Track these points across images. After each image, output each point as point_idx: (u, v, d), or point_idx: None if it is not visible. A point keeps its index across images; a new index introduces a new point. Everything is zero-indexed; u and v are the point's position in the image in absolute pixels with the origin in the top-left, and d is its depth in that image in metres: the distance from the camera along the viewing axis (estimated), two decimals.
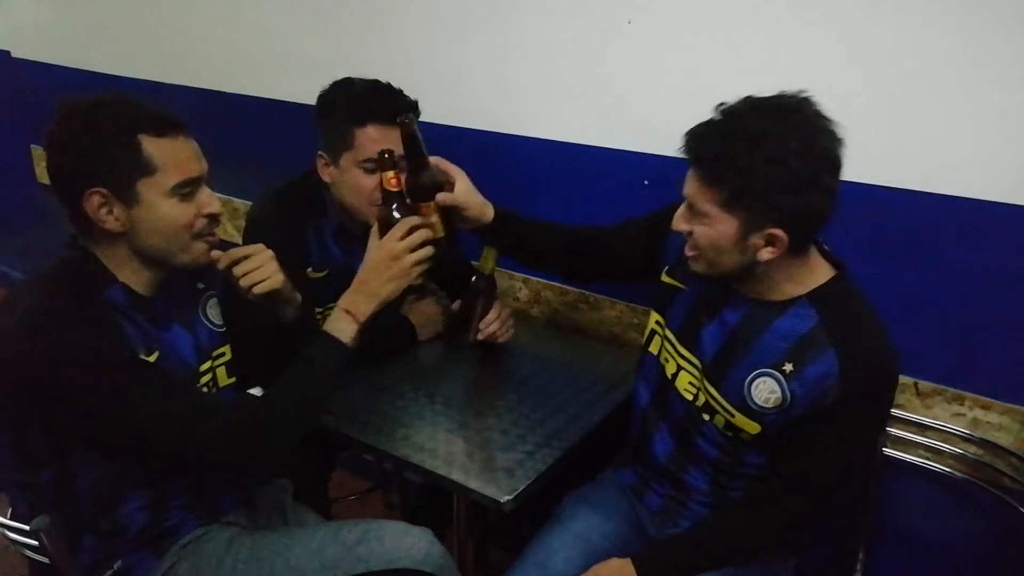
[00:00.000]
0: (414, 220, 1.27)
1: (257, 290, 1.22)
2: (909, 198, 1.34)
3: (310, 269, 1.58)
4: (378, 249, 1.25)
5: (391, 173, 1.27)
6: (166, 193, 1.12)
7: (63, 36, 2.83)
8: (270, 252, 1.25)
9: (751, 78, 1.42)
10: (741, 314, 1.20)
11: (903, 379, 1.42)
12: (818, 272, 1.17)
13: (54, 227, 3.42)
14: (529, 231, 1.50)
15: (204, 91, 2.37)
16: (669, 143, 1.54)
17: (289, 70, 2.16)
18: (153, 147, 1.11)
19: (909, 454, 1.45)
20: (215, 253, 1.21)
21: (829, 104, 1.36)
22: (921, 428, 1.43)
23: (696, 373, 1.27)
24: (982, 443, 1.38)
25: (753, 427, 1.20)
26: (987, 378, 1.37)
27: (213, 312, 1.32)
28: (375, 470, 2.17)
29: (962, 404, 1.39)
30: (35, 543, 1.07)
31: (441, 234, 1.32)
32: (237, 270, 1.22)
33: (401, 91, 1.53)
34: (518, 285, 1.89)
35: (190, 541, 1.24)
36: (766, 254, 1.11)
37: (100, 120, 1.09)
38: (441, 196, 1.34)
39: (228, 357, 1.32)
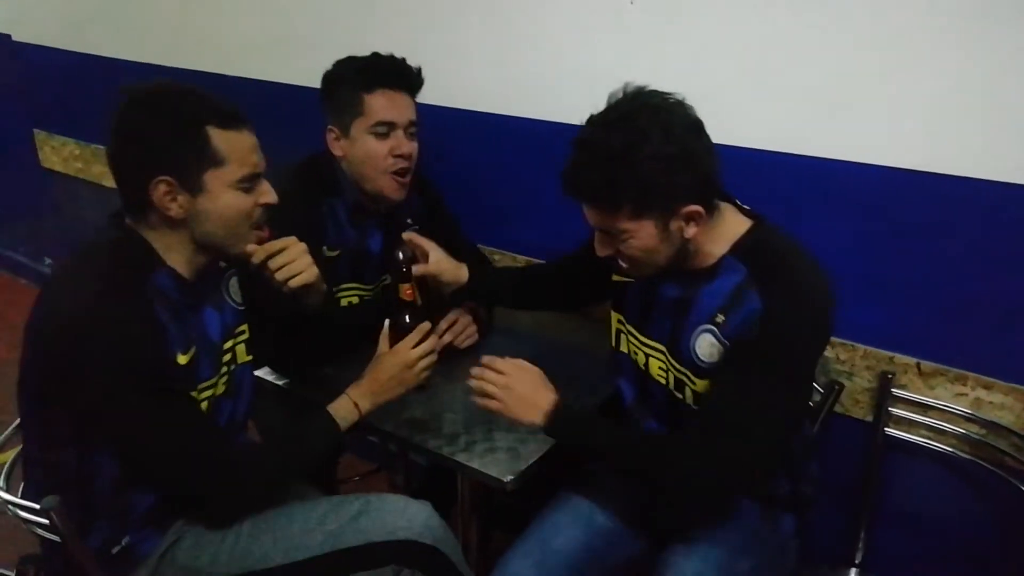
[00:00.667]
0: (426, 327, 1.34)
1: (293, 283, 1.26)
2: (911, 178, 1.34)
3: (325, 248, 1.59)
4: (393, 354, 1.32)
5: (407, 285, 1.35)
6: (231, 184, 1.15)
7: (65, 19, 2.82)
8: (303, 245, 1.28)
9: (752, 58, 1.43)
10: (682, 288, 1.24)
11: (905, 359, 1.43)
12: (736, 227, 1.22)
13: (57, 211, 3.45)
14: (504, 282, 1.61)
15: (207, 74, 2.36)
16: None
17: (292, 53, 2.15)
18: (220, 139, 1.13)
19: (911, 434, 1.46)
20: (250, 247, 1.24)
21: (835, 84, 1.37)
22: (923, 408, 1.44)
23: (662, 356, 1.29)
24: (984, 423, 1.38)
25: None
26: (989, 358, 1.37)
27: (234, 291, 1.35)
28: (380, 451, 2.18)
29: (964, 384, 1.39)
30: (45, 522, 1.08)
31: (419, 302, 1.39)
32: (272, 263, 1.25)
33: (404, 59, 1.57)
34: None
35: (193, 516, 1.25)
36: (692, 230, 1.16)
37: (167, 109, 1.12)
38: (420, 268, 1.45)
39: (247, 335, 1.35)
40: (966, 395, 1.40)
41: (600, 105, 1.33)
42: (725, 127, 1.48)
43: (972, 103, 1.26)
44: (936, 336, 1.40)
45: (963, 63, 1.25)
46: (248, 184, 1.17)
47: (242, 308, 1.35)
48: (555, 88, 1.69)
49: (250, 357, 1.35)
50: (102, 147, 2.54)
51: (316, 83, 1.59)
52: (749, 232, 1.21)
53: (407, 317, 1.35)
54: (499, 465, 1.28)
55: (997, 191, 1.27)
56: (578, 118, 1.65)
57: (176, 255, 1.18)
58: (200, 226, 1.16)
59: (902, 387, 1.44)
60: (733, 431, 1.15)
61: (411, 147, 1.58)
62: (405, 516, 1.26)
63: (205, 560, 1.22)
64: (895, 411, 1.46)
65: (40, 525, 1.12)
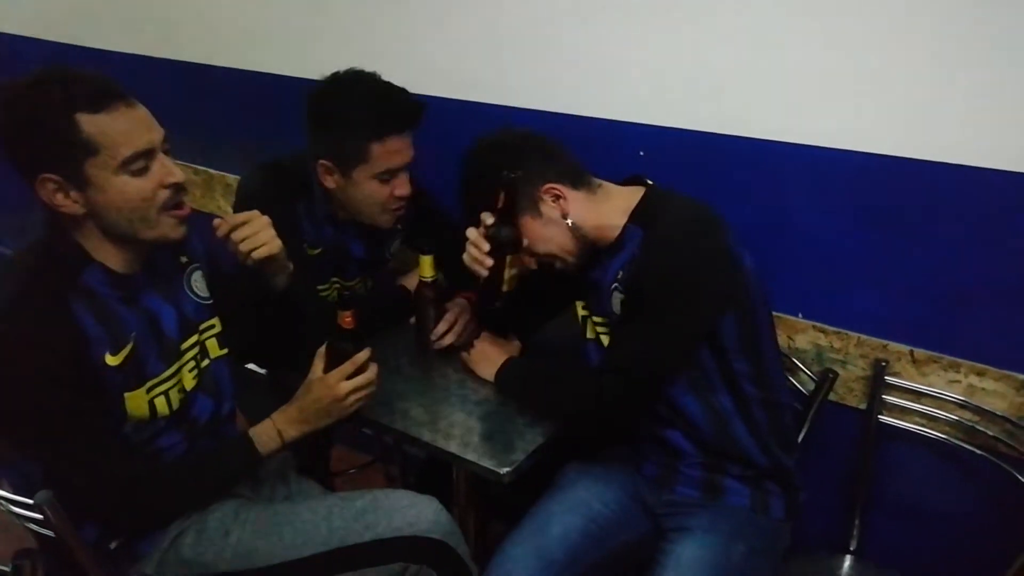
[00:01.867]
0: (362, 358, 1.27)
1: (256, 255, 1.21)
2: (903, 165, 1.34)
3: (306, 245, 1.57)
4: (323, 384, 1.25)
5: (347, 312, 1.26)
6: (115, 170, 1.07)
7: (49, 10, 2.78)
8: (267, 219, 1.23)
9: (749, 44, 1.42)
10: (605, 267, 1.33)
11: (899, 347, 1.43)
12: (628, 197, 1.32)
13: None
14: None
15: (195, 65, 2.34)
16: (665, 114, 1.55)
17: (280, 42, 2.13)
18: (92, 124, 1.05)
19: (905, 421, 1.46)
20: (216, 221, 1.20)
21: (830, 72, 1.36)
22: (917, 395, 1.44)
23: (608, 329, 1.36)
24: (977, 410, 1.39)
25: None
26: (982, 345, 1.37)
27: (199, 285, 1.31)
28: (374, 443, 2.18)
29: (957, 371, 1.40)
30: (39, 517, 1.08)
31: (509, 287, 1.40)
32: (236, 235, 1.20)
33: (405, 91, 1.50)
34: None
35: (195, 512, 1.25)
36: (564, 206, 1.30)
37: (34, 103, 1.05)
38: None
39: (218, 329, 1.32)
40: (959, 382, 1.40)
41: (607, 95, 1.36)
42: (721, 116, 1.49)
43: (967, 90, 1.26)
44: (929, 324, 1.40)
45: (962, 51, 1.25)
46: (137, 164, 1.08)
47: (208, 302, 1.31)
48: (558, 79, 1.68)
49: (224, 351, 1.32)
50: None
51: (309, 74, 1.55)
52: (642, 199, 1.31)
53: (345, 345, 1.27)
54: (495, 457, 1.28)
55: (990, 178, 1.27)
56: (583, 109, 1.66)
57: (103, 251, 1.13)
58: (102, 219, 1.10)
59: (896, 375, 1.45)
60: (619, 372, 1.26)
61: (410, 184, 1.54)
62: (412, 512, 1.25)
63: (210, 556, 1.22)
64: (889, 399, 1.46)
65: (34, 520, 1.11)
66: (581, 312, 1.44)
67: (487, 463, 1.27)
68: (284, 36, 2.11)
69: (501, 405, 1.41)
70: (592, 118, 1.64)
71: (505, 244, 1.34)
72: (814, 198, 1.44)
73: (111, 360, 1.11)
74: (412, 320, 1.61)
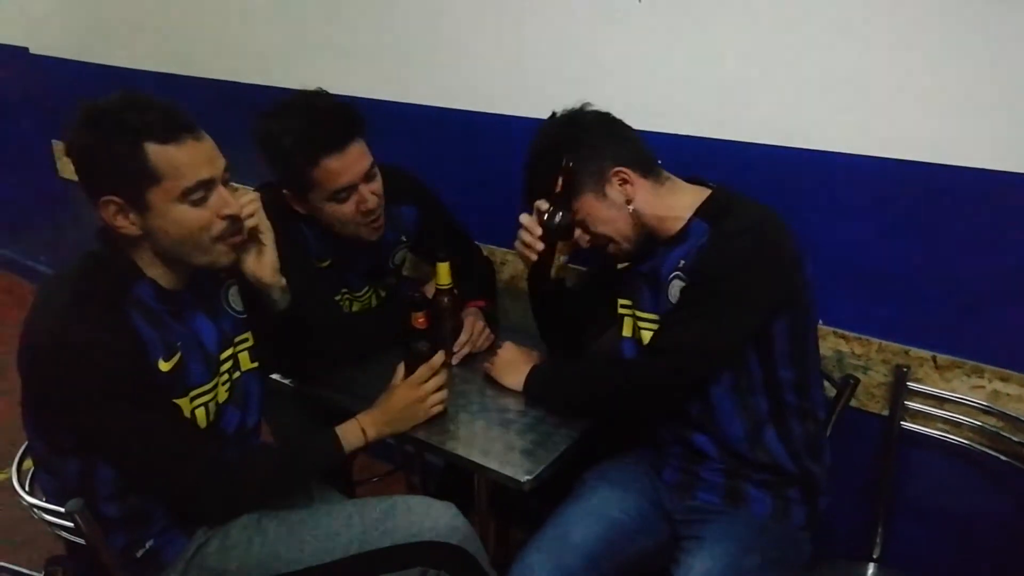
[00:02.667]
0: (439, 361, 1.36)
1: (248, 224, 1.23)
2: (923, 170, 1.33)
3: (314, 260, 1.58)
4: (407, 387, 1.35)
5: (420, 313, 1.34)
6: (176, 199, 1.11)
7: (80, 31, 2.86)
8: (255, 194, 1.27)
9: (757, 48, 1.43)
10: (663, 258, 1.33)
11: (921, 352, 1.42)
12: (693, 195, 1.33)
13: (77, 221, 3.49)
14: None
15: (222, 82, 2.39)
16: (682, 122, 1.56)
17: (304, 58, 2.17)
18: (158, 155, 1.09)
19: (928, 427, 1.45)
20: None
21: (845, 78, 1.36)
22: (939, 401, 1.43)
23: (654, 325, 1.35)
24: (1001, 415, 1.38)
25: None
26: (1006, 350, 1.36)
27: (235, 300, 1.34)
28: (396, 452, 2.20)
29: (981, 376, 1.38)
30: (70, 524, 1.10)
31: (557, 275, 1.43)
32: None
33: (340, 105, 1.46)
34: None
35: (218, 521, 1.27)
36: (630, 191, 1.30)
37: (107, 129, 1.09)
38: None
39: (250, 343, 1.35)
40: (983, 387, 1.39)
41: (612, 103, 1.36)
42: (738, 124, 1.49)
43: (989, 94, 1.25)
44: (952, 329, 1.39)
45: (980, 54, 1.25)
46: (197, 195, 1.12)
47: (243, 316, 1.35)
48: (561, 87, 1.69)
49: (255, 364, 1.35)
50: None
51: (335, 87, 1.55)
52: (710, 197, 1.31)
53: (421, 345, 1.35)
54: (516, 465, 1.28)
55: (1013, 182, 1.26)
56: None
57: (153, 268, 1.18)
58: (158, 243, 1.15)
59: (918, 381, 1.44)
60: (666, 354, 1.28)
61: (375, 195, 1.48)
62: (430, 517, 1.26)
63: (233, 564, 1.24)
64: (911, 405, 1.45)
65: (65, 528, 1.13)
66: (621, 309, 1.44)
67: (508, 471, 1.27)
68: (307, 52, 2.15)
69: (521, 413, 1.42)
70: None
71: (558, 231, 1.35)
72: (834, 204, 1.44)
73: (163, 366, 1.15)
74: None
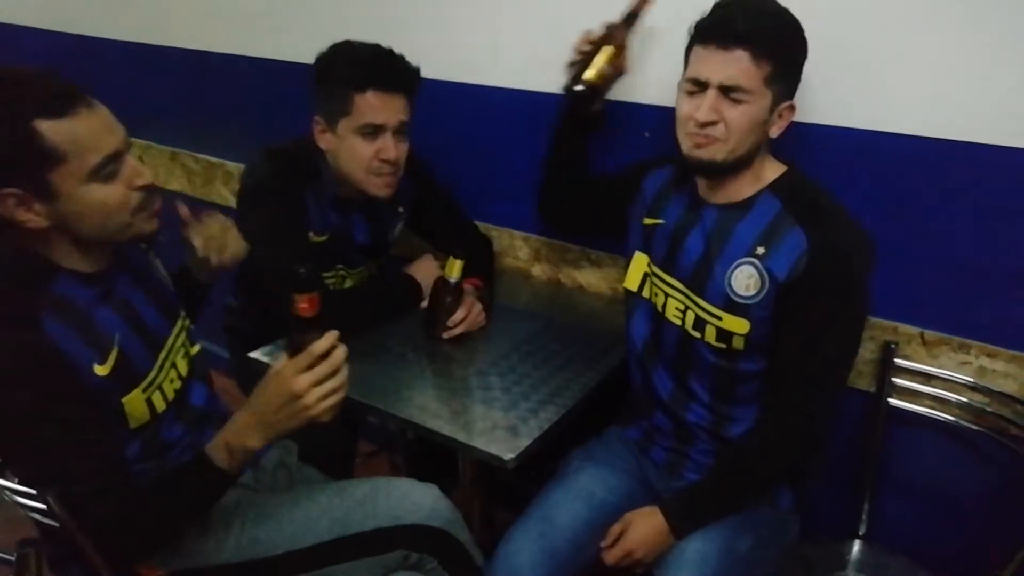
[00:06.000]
0: (322, 347, 1.04)
1: (222, 259, 1.27)
2: (912, 145, 1.31)
3: (312, 233, 1.56)
4: (276, 380, 1.05)
5: (304, 297, 1.04)
6: (84, 178, 1.01)
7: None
8: (229, 221, 1.30)
9: None
10: (713, 220, 1.27)
11: (909, 329, 1.41)
12: (772, 168, 1.26)
13: None
14: (582, 159, 1.57)
15: (193, 52, 2.32)
16: (669, 94, 1.53)
17: (279, 28, 2.11)
18: (54, 132, 0.97)
19: (915, 404, 1.45)
20: (184, 232, 1.24)
21: (843, 49, 1.34)
22: (927, 378, 1.42)
23: (681, 296, 1.30)
24: (988, 391, 1.37)
25: (742, 325, 1.23)
26: (993, 327, 1.35)
27: (161, 269, 1.29)
28: (379, 432, 2.18)
29: (968, 353, 1.38)
30: (43, 507, 1.07)
31: (593, 79, 1.40)
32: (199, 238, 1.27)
33: (403, 57, 1.50)
34: (519, 244, 1.87)
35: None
36: (776, 130, 1.21)
37: None
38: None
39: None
40: (970, 364, 1.39)
41: (621, 79, 1.32)
42: None
43: (977, 67, 1.24)
44: (940, 305, 1.38)
45: (965, 31, 1.23)
46: (108, 170, 1.02)
47: (173, 289, 1.30)
48: (548, 59, 1.65)
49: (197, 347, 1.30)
50: None
51: (307, 59, 1.54)
52: (786, 173, 1.26)
53: (305, 337, 1.06)
54: (499, 443, 1.26)
55: (1001, 157, 1.25)
56: None
57: (70, 257, 1.07)
58: (72, 230, 1.04)
59: (905, 357, 1.43)
60: (808, 389, 1.21)
61: (399, 150, 1.51)
62: (412, 500, 1.25)
63: (211, 546, 1.22)
64: (898, 381, 1.44)
65: (39, 511, 1.11)
66: (645, 265, 1.38)
67: (492, 449, 1.25)
68: (282, 22, 2.09)
69: (505, 392, 1.40)
70: None
71: (611, 35, 1.38)
72: (822, 180, 1.42)
73: (100, 370, 1.06)
74: (424, 305, 1.59)
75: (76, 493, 1.03)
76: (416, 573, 1.25)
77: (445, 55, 1.80)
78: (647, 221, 1.39)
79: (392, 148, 1.49)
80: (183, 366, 1.23)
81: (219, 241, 1.28)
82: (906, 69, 1.29)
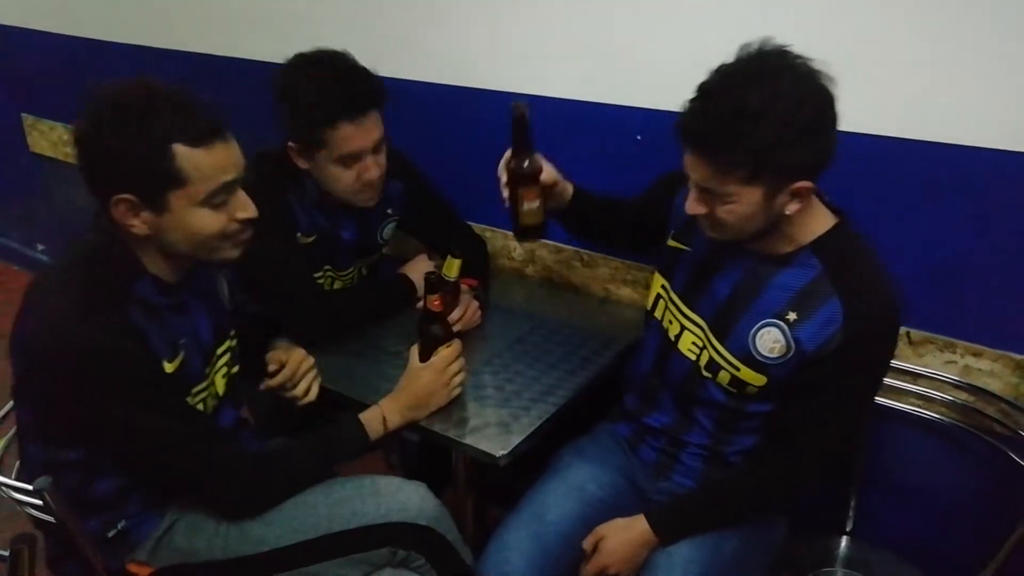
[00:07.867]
0: (459, 345, 1.36)
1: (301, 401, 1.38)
2: (901, 146, 1.33)
3: (299, 235, 1.57)
4: (431, 370, 1.32)
5: (436, 296, 1.31)
6: (198, 203, 1.08)
7: (49, 1, 2.79)
8: (310, 361, 1.42)
9: (745, 25, 1.41)
10: (745, 269, 1.21)
11: None
12: (820, 221, 1.16)
13: (48, 196, 3.42)
14: (594, 209, 1.48)
15: (194, 55, 2.34)
16: (661, 96, 1.54)
17: (281, 31, 2.13)
18: (186, 157, 1.05)
19: (901, 402, 1.46)
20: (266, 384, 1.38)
21: (832, 53, 1.35)
22: (913, 376, 1.44)
23: (700, 333, 1.27)
24: (972, 390, 1.39)
25: (759, 379, 1.21)
26: (979, 326, 1.37)
27: (225, 291, 1.33)
28: None
29: (954, 352, 1.40)
30: (39, 503, 1.09)
31: (542, 218, 1.34)
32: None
33: (366, 71, 1.46)
34: (512, 245, 1.89)
35: (188, 500, 1.26)
36: (793, 208, 1.09)
37: (131, 125, 1.02)
38: (545, 175, 1.31)
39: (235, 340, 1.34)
40: (955, 363, 1.40)
41: (613, 82, 1.31)
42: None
43: (961, 70, 1.25)
44: (925, 304, 1.40)
45: (949, 34, 1.25)
46: (219, 199, 1.09)
47: (231, 311, 1.35)
48: (540, 62, 1.68)
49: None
50: None
51: None
52: (833, 229, 1.16)
53: (437, 328, 1.33)
54: (491, 440, 1.29)
55: (987, 158, 1.27)
56: (588, 95, 1.65)
57: (154, 263, 1.14)
58: (165, 240, 1.11)
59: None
60: (813, 447, 1.20)
61: (380, 166, 1.49)
62: (399, 498, 1.25)
63: (202, 543, 1.23)
64: (885, 380, 1.45)
65: (34, 506, 1.12)
66: (659, 287, 1.36)
67: (484, 446, 1.28)
68: (284, 25, 2.11)
69: (497, 389, 1.42)
70: (586, 102, 1.64)
71: (534, 174, 1.30)
72: None
73: (168, 367, 1.13)
74: (420, 305, 1.60)
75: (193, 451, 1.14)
76: (403, 570, 1.26)
77: (442, 58, 1.82)
78: (672, 243, 1.34)
79: (373, 168, 1.48)
80: (221, 384, 1.26)
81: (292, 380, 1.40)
82: (890, 72, 1.31)
